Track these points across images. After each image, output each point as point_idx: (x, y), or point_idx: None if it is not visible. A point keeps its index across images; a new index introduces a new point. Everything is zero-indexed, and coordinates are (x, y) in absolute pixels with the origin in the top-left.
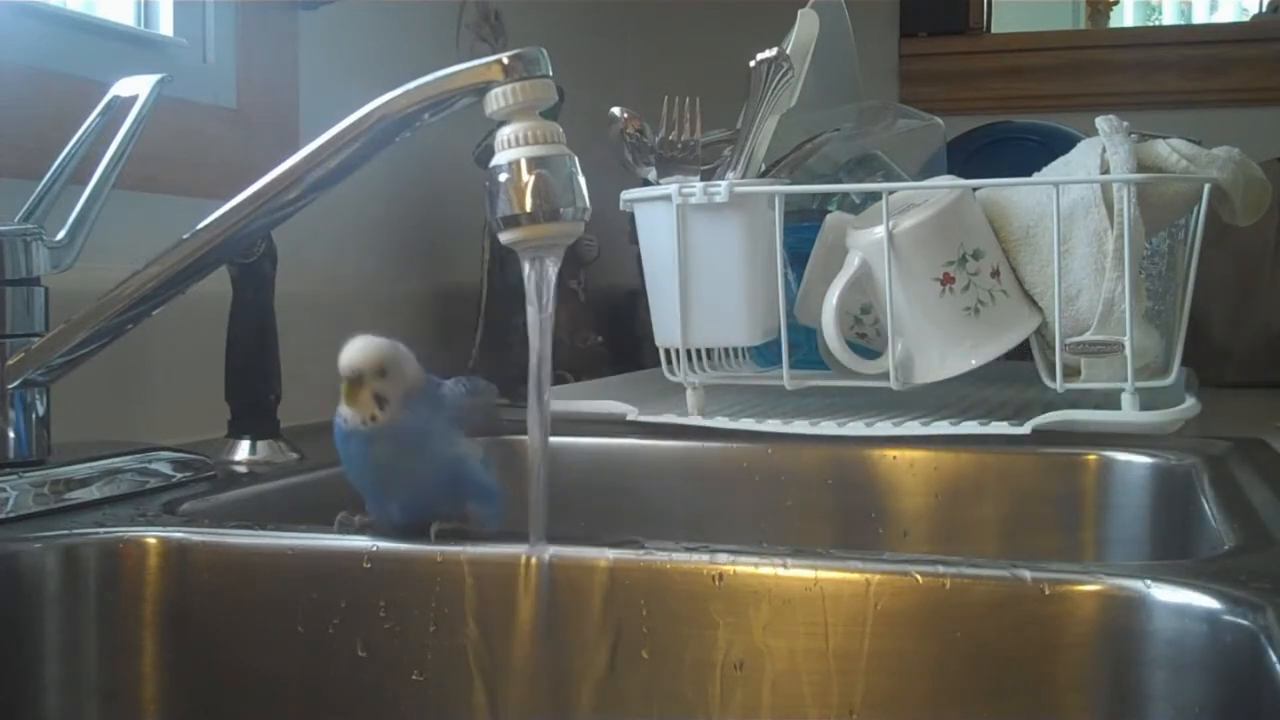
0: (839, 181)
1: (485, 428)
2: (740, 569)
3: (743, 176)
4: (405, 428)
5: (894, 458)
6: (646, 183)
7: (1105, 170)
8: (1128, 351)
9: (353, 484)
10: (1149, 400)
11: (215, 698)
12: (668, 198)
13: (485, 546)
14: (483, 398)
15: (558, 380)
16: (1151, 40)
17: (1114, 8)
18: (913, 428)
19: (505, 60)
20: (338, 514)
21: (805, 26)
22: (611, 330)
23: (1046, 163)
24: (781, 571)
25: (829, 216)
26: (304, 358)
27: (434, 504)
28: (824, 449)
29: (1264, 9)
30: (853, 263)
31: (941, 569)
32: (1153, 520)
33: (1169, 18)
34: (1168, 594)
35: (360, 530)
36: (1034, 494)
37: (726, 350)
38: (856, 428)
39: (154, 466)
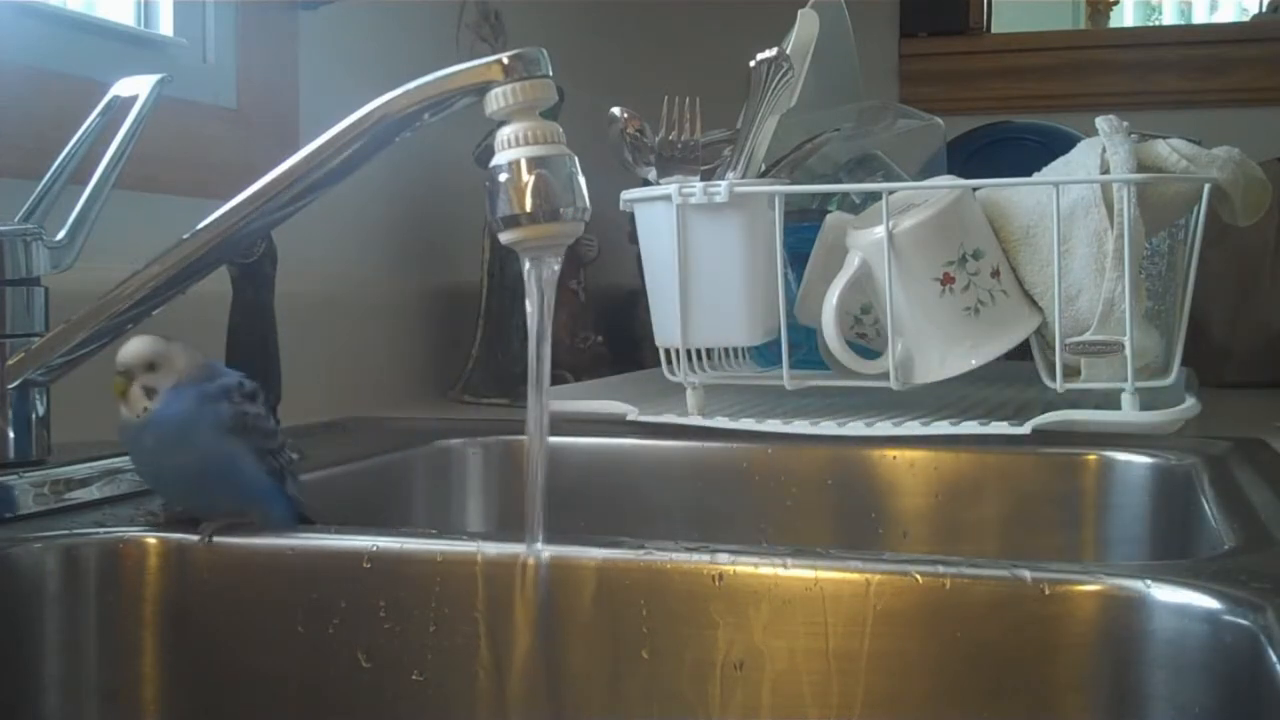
0: (839, 181)
1: (259, 430)
2: (740, 569)
3: (743, 176)
4: (166, 417)
5: (894, 458)
6: (646, 183)
7: (1105, 170)
8: (1128, 351)
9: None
10: (1149, 400)
11: (215, 698)
12: (668, 198)
13: (486, 546)
14: (257, 400)
15: (558, 380)
16: (1151, 40)
17: (1114, 8)
18: (913, 428)
19: (505, 60)
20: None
21: (805, 26)
22: (611, 330)
23: (1046, 163)
24: (781, 571)
25: (829, 216)
26: (304, 358)
27: (207, 499)
28: (824, 449)
29: (1264, 9)
30: (853, 263)
31: (941, 569)
32: (1153, 520)
33: (1169, 18)
34: (1168, 594)
35: (165, 524)
36: (1034, 494)
37: (726, 350)
38: (856, 428)
39: None
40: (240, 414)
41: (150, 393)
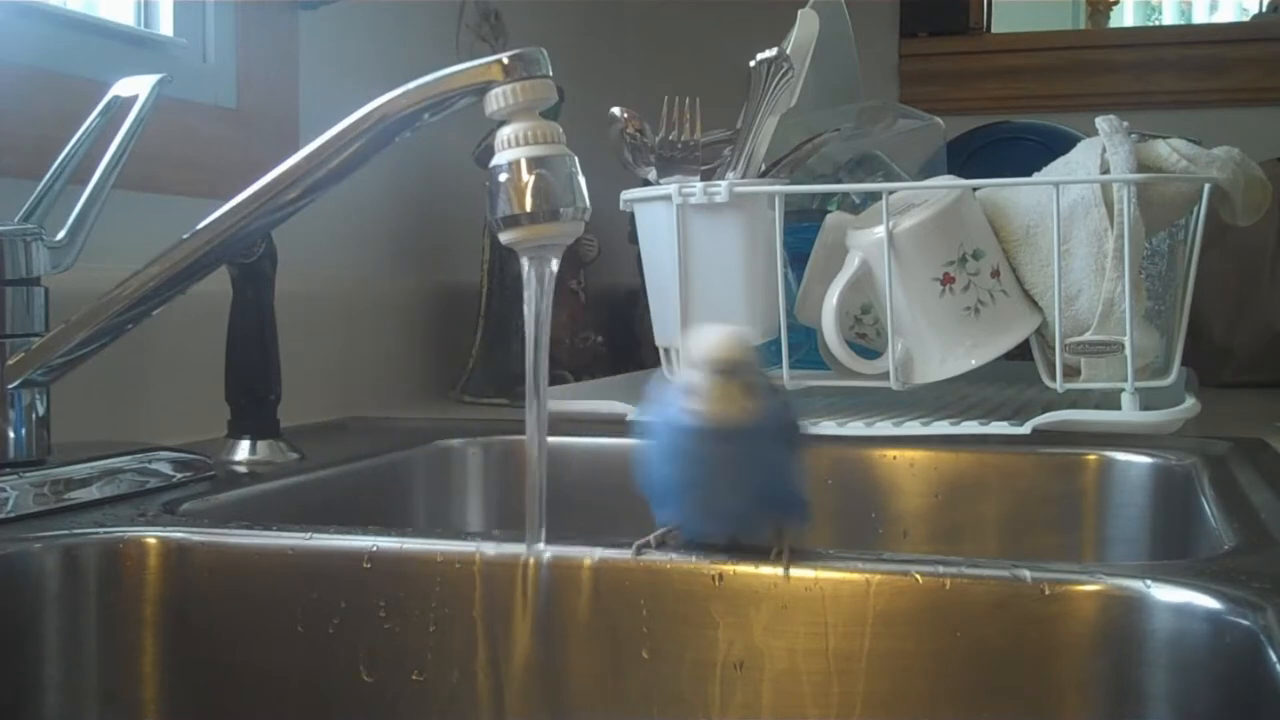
0: (839, 181)
1: (805, 441)
2: (740, 569)
3: (743, 176)
4: (768, 425)
5: (894, 458)
6: (646, 183)
7: (1105, 170)
8: (1128, 351)
9: (651, 488)
10: (1149, 400)
11: (215, 698)
12: (668, 198)
13: (486, 546)
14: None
15: (557, 380)
16: (1151, 40)
17: (1114, 8)
18: (913, 428)
19: (505, 60)
20: (634, 542)
21: (805, 26)
22: (611, 330)
23: (1046, 163)
24: (781, 571)
25: (829, 216)
26: (304, 358)
27: (754, 515)
28: (824, 449)
29: (1264, 9)
30: (853, 263)
31: (941, 569)
32: (1153, 520)
33: (1169, 18)
34: (1168, 594)
35: (659, 547)
36: (1034, 494)
37: None
38: (856, 428)
39: (154, 466)
40: (799, 424)
41: (750, 390)
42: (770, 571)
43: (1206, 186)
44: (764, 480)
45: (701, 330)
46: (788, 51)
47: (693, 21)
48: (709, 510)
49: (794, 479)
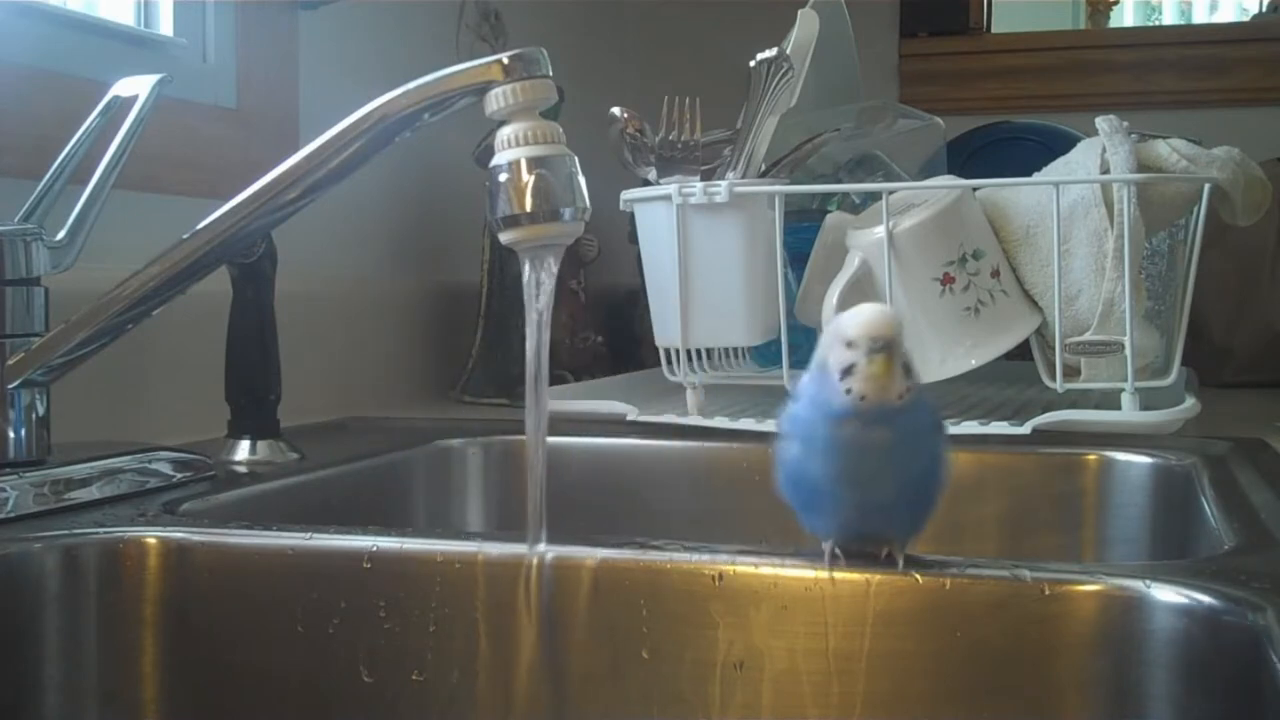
0: (839, 181)
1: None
2: (740, 569)
3: (743, 176)
4: (925, 406)
5: None
6: (646, 183)
7: (1105, 170)
8: (1128, 351)
9: (801, 491)
10: (1149, 400)
11: (215, 698)
12: (668, 198)
13: (487, 546)
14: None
15: (557, 380)
16: (1151, 40)
17: (1114, 8)
18: None
19: (505, 60)
20: (824, 551)
21: (805, 26)
22: (611, 330)
23: (1046, 163)
24: (781, 571)
25: (829, 216)
26: (304, 358)
27: (899, 512)
28: None
29: (1264, 9)
30: (853, 263)
31: (941, 569)
32: (1153, 520)
33: (1169, 18)
34: (1168, 594)
35: (833, 562)
36: (1034, 494)
37: (726, 350)
38: None
39: (154, 466)
40: (943, 421)
41: (909, 372)
42: (769, 571)
43: (1206, 186)
44: (922, 472)
45: (853, 310)
46: (788, 51)
47: (693, 21)
48: (866, 509)
49: (945, 474)
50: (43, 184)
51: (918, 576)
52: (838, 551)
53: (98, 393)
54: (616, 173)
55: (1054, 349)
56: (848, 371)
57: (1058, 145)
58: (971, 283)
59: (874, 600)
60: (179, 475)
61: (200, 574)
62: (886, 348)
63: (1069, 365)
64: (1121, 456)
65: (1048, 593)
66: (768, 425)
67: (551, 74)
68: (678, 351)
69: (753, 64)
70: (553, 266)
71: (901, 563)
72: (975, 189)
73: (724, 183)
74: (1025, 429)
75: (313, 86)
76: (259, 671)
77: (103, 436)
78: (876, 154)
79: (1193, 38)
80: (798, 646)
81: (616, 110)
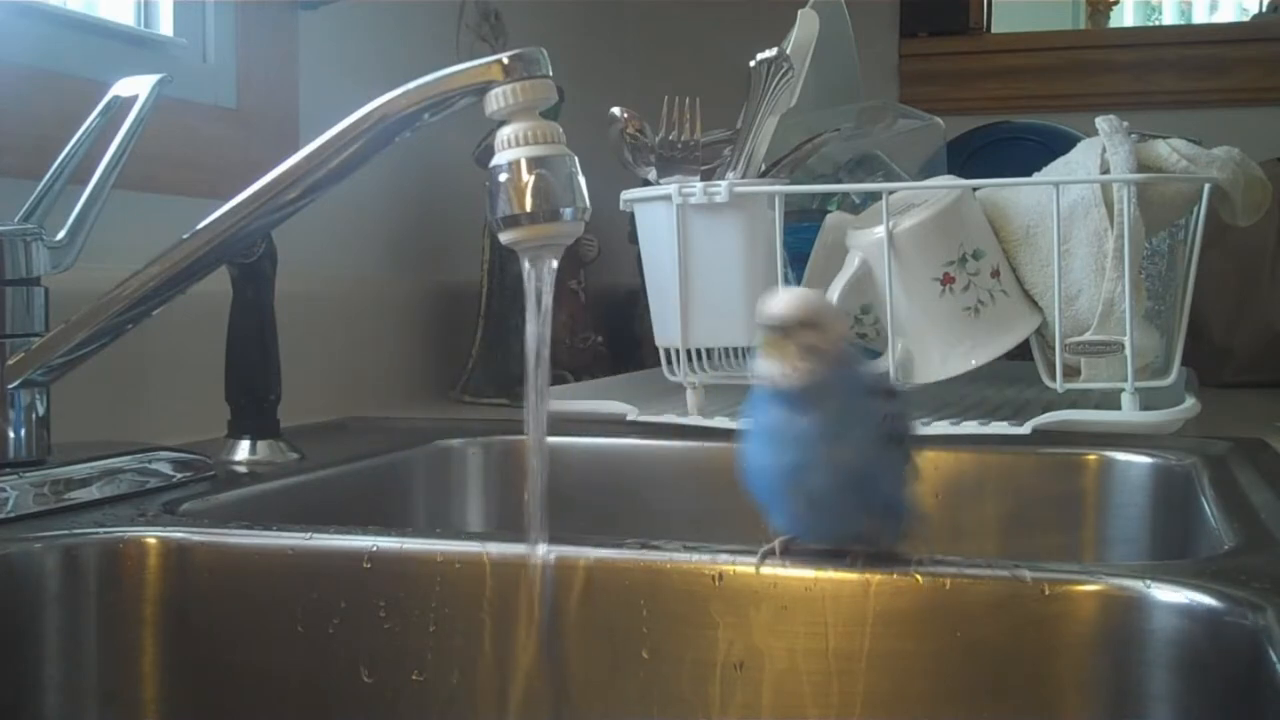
0: (839, 181)
1: (908, 440)
2: (740, 569)
3: (743, 176)
4: (831, 386)
5: None
6: (646, 183)
7: (1105, 170)
8: (1128, 351)
9: (753, 486)
10: (1149, 400)
11: (215, 698)
12: (668, 198)
13: (487, 546)
14: (898, 400)
15: (558, 380)
16: (1151, 40)
17: (1114, 8)
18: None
19: (505, 60)
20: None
21: (805, 26)
22: (611, 330)
23: (1046, 163)
24: (781, 571)
25: (829, 216)
26: (304, 358)
27: (845, 507)
28: None
29: (1264, 9)
30: (853, 263)
31: (941, 569)
32: (1153, 520)
33: (1169, 18)
34: (1168, 594)
35: (782, 554)
36: (1034, 494)
37: (726, 350)
38: None
39: (154, 466)
40: (897, 416)
41: (811, 352)
42: (770, 571)
43: (1206, 186)
44: (859, 465)
45: (771, 293)
46: (788, 51)
47: (693, 21)
48: (793, 492)
49: (883, 465)
50: (43, 184)
51: (918, 576)
52: (776, 548)
53: (98, 393)
54: (616, 173)
55: (1054, 349)
56: (756, 355)
57: (1058, 145)
58: (971, 283)
59: (874, 600)
60: (179, 475)
61: (200, 574)
62: (780, 329)
63: (1069, 365)
64: (1121, 456)
65: (1048, 593)
66: None
67: (551, 74)
68: (678, 351)
69: (753, 64)
70: (553, 266)
71: (857, 563)
72: (975, 189)
73: (724, 183)
74: (1025, 429)
75: (313, 86)
76: (259, 671)
77: (103, 436)
78: (876, 154)
79: (1193, 38)
80: (798, 646)
81: (616, 110)
